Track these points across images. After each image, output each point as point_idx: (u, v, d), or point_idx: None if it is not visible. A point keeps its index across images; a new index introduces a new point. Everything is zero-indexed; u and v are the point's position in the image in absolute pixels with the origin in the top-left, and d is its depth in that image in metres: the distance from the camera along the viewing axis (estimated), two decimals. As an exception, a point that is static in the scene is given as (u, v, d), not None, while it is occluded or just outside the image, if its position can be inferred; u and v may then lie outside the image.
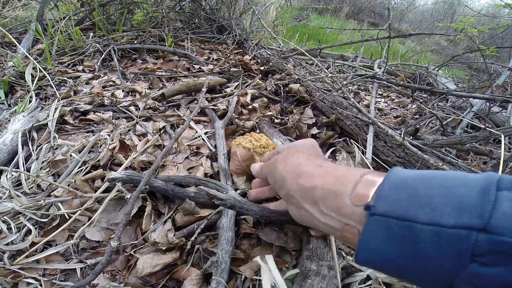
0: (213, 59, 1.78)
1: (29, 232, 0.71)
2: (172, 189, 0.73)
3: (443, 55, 6.08)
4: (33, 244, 0.67)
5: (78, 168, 0.89)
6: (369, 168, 0.96)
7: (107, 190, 0.80)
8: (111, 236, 0.74)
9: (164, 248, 0.69)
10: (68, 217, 0.73)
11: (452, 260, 0.26)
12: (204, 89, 0.93)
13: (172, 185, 0.73)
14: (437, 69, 2.13)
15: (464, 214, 0.26)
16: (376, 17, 8.40)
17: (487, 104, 1.39)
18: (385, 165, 0.99)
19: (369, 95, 1.72)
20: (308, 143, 0.61)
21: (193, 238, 0.68)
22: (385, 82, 1.23)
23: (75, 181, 0.84)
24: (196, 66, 1.59)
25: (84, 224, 0.73)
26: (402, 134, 0.98)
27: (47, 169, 0.92)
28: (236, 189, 0.79)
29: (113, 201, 0.79)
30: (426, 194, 0.28)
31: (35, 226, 0.72)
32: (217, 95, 1.25)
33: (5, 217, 0.73)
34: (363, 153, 1.00)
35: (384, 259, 0.30)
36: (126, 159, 0.87)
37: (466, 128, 1.36)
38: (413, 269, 0.29)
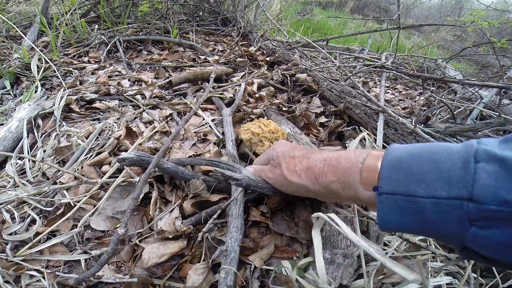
0: (218, 50, 1.76)
1: (33, 222, 0.69)
2: (182, 172, 0.71)
3: (450, 50, 5.99)
4: (36, 234, 0.66)
5: (84, 155, 0.88)
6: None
7: (114, 177, 0.79)
8: (117, 226, 0.72)
9: (170, 237, 0.66)
10: (73, 205, 0.72)
11: (456, 224, 0.30)
12: (212, 75, 0.91)
13: (182, 168, 0.72)
14: (446, 61, 2.09)
15: (453, 186, 0.30)
16: (381, 12, 8.30)
17: (497, 96, 1.36)
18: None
19: (376, 87, 1.69)
20: (283, 143, 0.63)
21: (204, 230, 0.65)
22: (395, 72, 1.20)
23: (82, 167, 0.83)
24: (202, 57, 1.57)
25: (89, 213, 0.71)
26: (413, 122, 0.95)
27: (53, 156, 0.91)
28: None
29: (119, 188, 0.77)
30: (419, 171, 0.33)
31: (40, 216, 0.70)
32: (223, 84, 1.23)
33: (8, 206, 0.72)
34: (373, 140, 0.98)
35: (402, 227, 0.35)
36: (133, 145, 0.86)
37: (475, 120, 1.33)
38: (429, 232, 0.34)
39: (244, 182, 0.57)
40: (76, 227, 0.69)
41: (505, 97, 1.54)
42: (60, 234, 0.67)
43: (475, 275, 0.63)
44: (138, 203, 0.64)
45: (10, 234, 0.66)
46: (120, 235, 0.58)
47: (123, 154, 0.68)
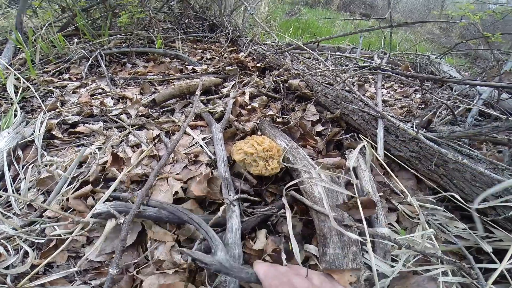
0: (206, 58, 1.70)
1: (27, 253, 0.67)
2: (167, 216, 0.66)
3: (437, 43, 6.01)
4: (33, 266, 0.64)
5: (68, 185, 0.82)
6: (380, 163, 0.89)
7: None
8: (113, 256, 0.68)
9: (171, 272, 0.64)
10: (64, 238, 0.69)
11: None
12: (198, 92, 0.85)
13: (167, 212, 0.67)
14: (439, 57, 2.06)
15: None
16: (367, 8, 8.30)
17: (496, 91, 1.32)
18: (397, 160, 0.92)
19: (372, 86, 1.65)
20: None
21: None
22: (391, 73, 1.16)
23: (67, 199, 0.78)
24: (189, 67, 1.51)
25: (83, 244, 0.70)
26: (415, 127, 0.91)
27: (37, 188, 0.85)
28: (239, 191, 0.72)
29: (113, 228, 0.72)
30: None
31: (33, 248, 0.69)
32: (213, 97, 1.17)
33: (0, 239, 0.69)
34: (374, 148, 0.93)
35: None
36: (120, 173, 0.80)
37: (476, 117, 1.30)
38: None
39: (213, 267, 0.52)
40: (71, 258, 0.68)
41: (504, 92, 1.51)
42: (57, 266, 0.66)
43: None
44: (126, 244, 0.59)
45: (7, 267, 0.65)
46: (112, 275, 0.56)
47: (98, 208, 0.65)
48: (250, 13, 2.14)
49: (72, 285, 0.63)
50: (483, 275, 0.62)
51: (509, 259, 0.62)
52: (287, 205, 0.67)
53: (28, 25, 1.76)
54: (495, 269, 0.61)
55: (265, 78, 1.40)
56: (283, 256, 0.61)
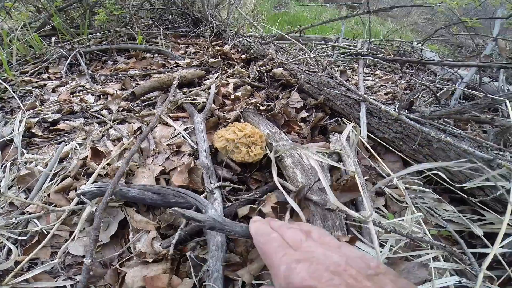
0: (190, 52, 1.68)
1: (10, 251, 0.67)
2: (151, 197, 0.65)
3: (423, 33, 6.07)
4: (17, 262, 0.64)
5: (50, 180, 0.81)
6: (365, 146, 0.89)
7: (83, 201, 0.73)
8: (98, 250, 0.67)
9: (150, 261, 0.63)
10: (46, 233, 0.69)
11: None
12: (175, 82, 0.84)
13: (150, 193, 0.66)
14: (421, 44, 2.07)
15: None
16: (354, 0, 8.34)
17: (477, 75, 1.34)
18: (382, 142, 0.93)
19: (356, 75, 1.65)
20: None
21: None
22: (371, 58, 1.16)
23: (48, 195, 0.77)
24: (172, 62, 1.49)
25: (66, 240, 0.69)
26: (397, 108, 0.91)
27: (18, 186, 0.83)
28: (222, 179, 0.71)
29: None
30: None
31: (16, 245, 0.68)
32: (195, 89, 1.15)
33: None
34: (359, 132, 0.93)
35: None
36: (98, 167, 0.79)
37: (459, 100, 1.31)
38: None
39: (207, 224, 0.51)
40: (55, 254, 0.67)
41: (485, 75, 1.53)
42: (41, 262, 0.65)
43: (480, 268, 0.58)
44: (99, 233, 0.58)
45: (-9, 265, 0.64)
46: (87, 265, 0.56)
47: (83, 188, 0.63)
48: (234, 6, 2.12)
49: (56, 280, 0.63)
50: (477, 260, 0.60)
51: (501, 242, 0.60)
52: (272, 155, 0.66)
53: (3, 27, 1.71)
54: (488, 254, 0.59)
55: (249, 68, 1.39)
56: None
